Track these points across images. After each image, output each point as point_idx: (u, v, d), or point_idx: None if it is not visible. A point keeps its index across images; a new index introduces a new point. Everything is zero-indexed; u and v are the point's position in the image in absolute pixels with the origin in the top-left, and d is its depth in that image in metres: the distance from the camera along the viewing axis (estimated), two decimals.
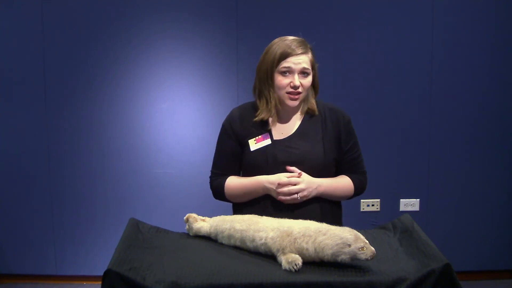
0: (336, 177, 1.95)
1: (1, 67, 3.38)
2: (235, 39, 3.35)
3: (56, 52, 3.36)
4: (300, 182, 1.82)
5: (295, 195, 1.82)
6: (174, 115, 3.43)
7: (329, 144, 1.91)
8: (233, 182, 1.95)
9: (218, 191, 1.99)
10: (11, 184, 3.47)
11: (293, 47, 1.85)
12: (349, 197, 1.98)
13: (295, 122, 1.94)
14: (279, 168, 1.86)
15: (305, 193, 1.83)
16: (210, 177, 2.03)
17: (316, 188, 1.85)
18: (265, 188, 1.86)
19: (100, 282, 1.42)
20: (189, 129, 3.43)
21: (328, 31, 3.34)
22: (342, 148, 1.93)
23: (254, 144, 1.92)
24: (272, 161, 1.87)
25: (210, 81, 3.40)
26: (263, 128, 1.92)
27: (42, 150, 3.43)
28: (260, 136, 1.92)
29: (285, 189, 1.82)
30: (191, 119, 3.43)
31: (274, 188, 1.83)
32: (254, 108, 1.96)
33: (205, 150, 3.44)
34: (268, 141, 1.91)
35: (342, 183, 1.93)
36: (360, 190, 1.99)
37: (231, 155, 1.97)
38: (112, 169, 3.44)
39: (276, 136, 1.92)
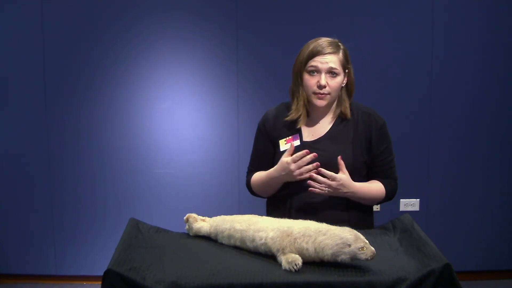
0: (370, 182, 1.95)
1: (1, 67, 3.38)
2: (235, 39, 3.35)
3: (56, 52, 3.36)
4: (338, 180, 1.81)
5: (325, 189, 1.82)
6: (174, 115, 3.43)
7: (359, 147, 1.91)
8: (255, 177, 2.01)
9: (248, 187, 2.07)
10: (11, 184, 3.47)
11: (323, 46, 1.87)
12: (379, 202, 1.99)
13: (326, 125, 1.95)
14: None
15: (332, 190, 1.83)
16: (247, 172, 2.09)
17: (345, 193, 1.85)
18: (278, 177, 1.88)
19: (100, 282, 1.42)
20: (189, 129, 3.43)
21: (328, 31, 3.31)
22: (373, 151, 1.93)
23: (284, 145, 1.94)
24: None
25: (210, 81, 3.40)
26: (294, 129, 1.94)
27: (42, 150, 3.43)
28: (290, 137, 1.94)
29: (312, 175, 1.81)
30: (191, 119, 3.43)
31: (284, 167, 1.83)
32: (288, 108, 1.98)
33: (205, 150, 3.44)
34: (297, 142, 1.92)
35: (374, 189, 1.93)
36: (390, 196, 1.99)
37: (264, 154, 2.02)
38: (112, 169, 3.44)
39: (306, 138, 1.93)
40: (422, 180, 3.47)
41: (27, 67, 3.37)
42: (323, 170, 1.81)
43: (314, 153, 1.81)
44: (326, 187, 1.82)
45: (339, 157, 1.83)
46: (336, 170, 1.84)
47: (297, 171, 1.82)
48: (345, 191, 1.84)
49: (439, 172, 3.47)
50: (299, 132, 1.94)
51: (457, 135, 3.44)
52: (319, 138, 1.93)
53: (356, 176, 1.90)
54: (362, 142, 1.92)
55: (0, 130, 3.43)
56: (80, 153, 3.44)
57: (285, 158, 1.84)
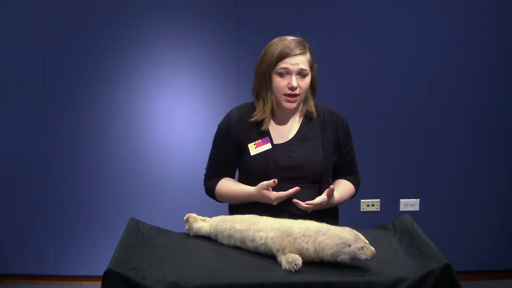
0: (340, 184, 1.96)
1: (1, 67, 3.38)
2: (235, 39, 3.35)
3: (56, 52, 3.36)
4: (319, 202, 1.80)
5: (309, 208, 1.80)
6: (174, 115, 3.43)
7: (329, 148, 1.91)
8: (223, 188, 1.95)
9: (210, 192, 2.02)
10: (11, 184, 3.47)
11: (291, 47, 1.83)
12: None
13: (294, 125, 1.93)
14: (280, 173, 1.85)
15: (314, 208, 1.81)
16: (205, 175, 2.04)
17: (326, 206, 1.85)
18: (256, 199, 1.85)
19: (100, 282, 1.42)
20: (189, 129, 3.43)
21: (328, 31, 3.34)
22: (341, 151, 1.94)
23: (254, 149, 1.89)
24: (273, 166, 1.86)
25: (210, 81, 3.40)
26: (261, 130, 1.90)
27: (42, 150, 3.43)
28: (260, 140, 1.90)
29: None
30: (191, 119, 3.43)
31: (266, 199, 1.81)
32: (253, 109, 1.94)
33: (205, 150, 3.39)
34: (268, 146, 1.89)
35: (348, 192, 1.96)
36: (357, 191, 2.04)
37: (226, 157, 1.96)
38: (112, 169, 3.44)
39: (276, 140, 1.90)
40: (422, 180, 3.47)
41: (27, 67, 3.37)
42: (309, 203, 1.79)
43: (297, 187, 1.78)
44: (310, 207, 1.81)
45: (331, 187, 1.79)
46: (309, 173, 1.85)
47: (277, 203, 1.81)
48: (327, 206, 1.85)
49: (439, 172, 3.47)
50: (268, 134, 1.90)
51: (457, 135, 3.44)
52: (290, 140, 1.90)
53: (325, 177, 1.90)
54: (331, 143, 1.92)
55: (0, 130, 3.43)
56: (80, 153, 3.44)
57: (269, 194, 1.78)
